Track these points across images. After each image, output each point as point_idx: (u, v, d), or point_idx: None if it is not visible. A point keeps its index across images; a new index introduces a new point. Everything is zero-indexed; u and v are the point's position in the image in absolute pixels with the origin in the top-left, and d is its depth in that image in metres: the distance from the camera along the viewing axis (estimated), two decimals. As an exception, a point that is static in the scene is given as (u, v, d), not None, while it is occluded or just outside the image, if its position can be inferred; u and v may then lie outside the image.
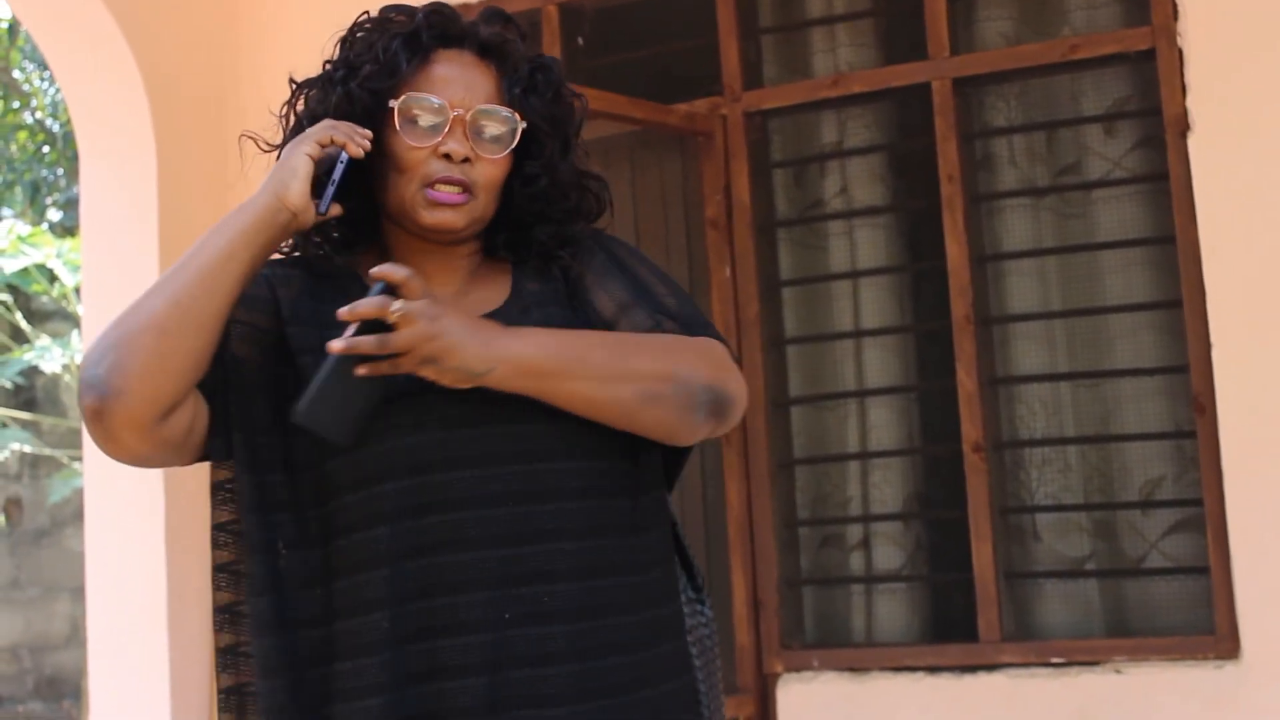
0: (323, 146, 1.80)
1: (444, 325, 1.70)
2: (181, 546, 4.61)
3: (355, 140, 1.80)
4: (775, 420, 4.38)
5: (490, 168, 1.85)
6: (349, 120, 1.84)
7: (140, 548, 4.61)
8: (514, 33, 1.92)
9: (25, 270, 8.16)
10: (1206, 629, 3.87)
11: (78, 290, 7.85)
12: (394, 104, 1.83)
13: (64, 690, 9.11)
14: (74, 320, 8.33)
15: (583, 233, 1.94)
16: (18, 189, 11.25)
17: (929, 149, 4.22)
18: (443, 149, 1.82)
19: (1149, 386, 4.09)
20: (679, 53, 4.73)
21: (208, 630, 4.65)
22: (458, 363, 1.71)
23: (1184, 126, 3.88)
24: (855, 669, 4.14)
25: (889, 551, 4.34)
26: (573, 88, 1.95)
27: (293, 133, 1.89)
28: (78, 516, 8.71)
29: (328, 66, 1.91)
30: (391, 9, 1.93)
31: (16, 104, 11.57)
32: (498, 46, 1.88)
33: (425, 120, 1.83)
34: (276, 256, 1.91)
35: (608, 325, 1.88)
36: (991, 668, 4.00)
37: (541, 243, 1.92)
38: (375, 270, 1.70)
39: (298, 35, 4.83)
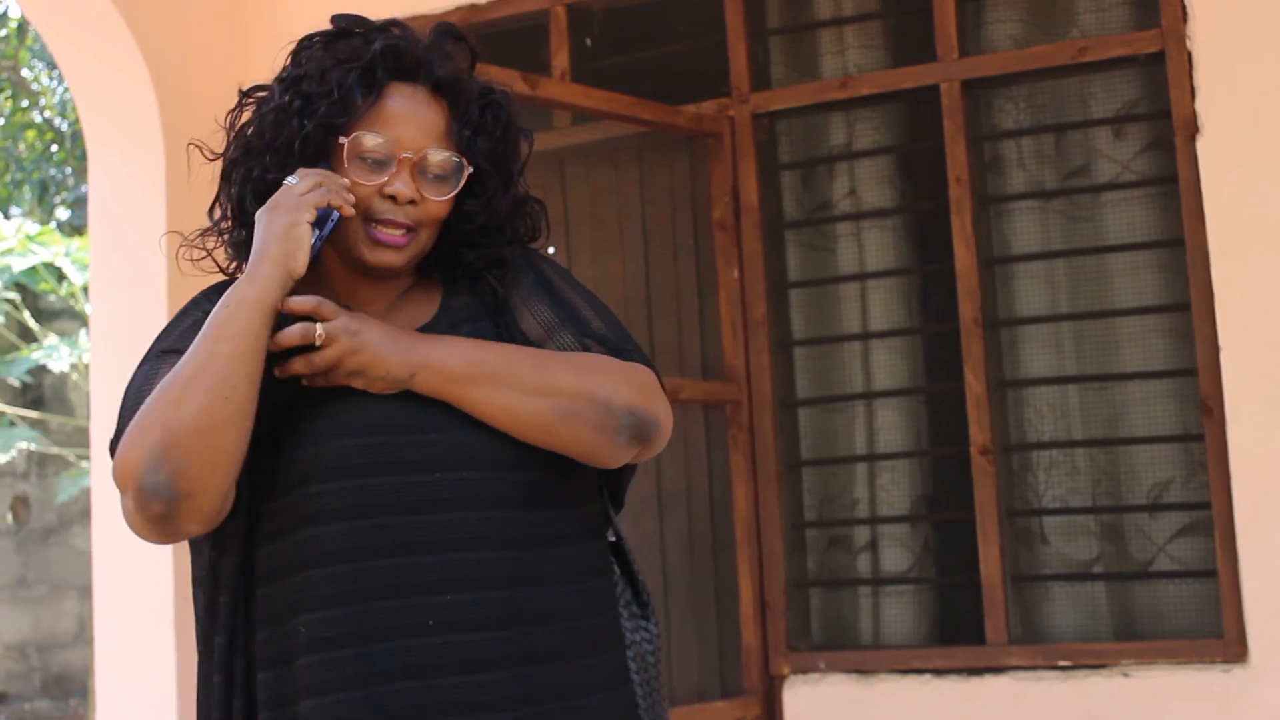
0: (317, 208, 1.81)
1: (365, 338, 1.77)
2: (188, 546, 4.60)
3: (346, 200, 1.82)
4: (783, 422, 4.38)
5: (434, 208, 1.87)
6: (293, 151, 1.85)
7: (147, 546, 4.60)
8: (466, 58, 1.93)
9: (33, 269, 8.17)
10: (1214, 632, 3.86)
11: (86, 289, 7.85)
12: (344, 140, 1.84)
13: (71, 688, 9.11)
14: (82, 319, 8.33)
15: (512, 252, 1.96)
16: (26, 188, 11.27)
17: (937, 151, 4.22)
18: (388, 190, 1.84)
19: (1157, 389, 4.08)
20: (687, 53, 4.73)
21: (214, 630, 4.64)
22: (382, 372, 1.77)
23: (1193, 129, 3.87)
24: (862, 671, 4.14)
25: (896, 553, 4.34)
26: (520, 126, 1.96)
27: (240, 149, 1.90)
28: (85, 515, 8.71)
29: (277, 84, 1.91)
30: (345, 23, 1.92)
31: (25, 103, 11.60)
32: (450, 84, 1.88)
33: (373, 159, 1.84)
34: (215, 281, 1.96)
35: (535, 346, 1.88)
36: (998, 670, 4.00)
37: (469, 263, 1.94)
38: (287, 304, 1.76)
39: (306, 33, 4.82)
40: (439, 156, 1.86)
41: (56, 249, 8.19)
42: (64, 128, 11.41)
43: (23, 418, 8.62)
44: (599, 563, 1.91)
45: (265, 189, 1.87)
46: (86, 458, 8.11)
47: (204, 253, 1.97)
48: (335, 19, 1.93)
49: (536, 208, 1.98)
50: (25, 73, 11.55)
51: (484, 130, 1.89)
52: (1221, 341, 3.81)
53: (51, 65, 11.12)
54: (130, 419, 1.77)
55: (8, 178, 11.40)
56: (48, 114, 11.62)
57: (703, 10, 4.51)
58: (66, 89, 11.06)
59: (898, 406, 4.37)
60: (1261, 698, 3.74)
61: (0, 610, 9.01)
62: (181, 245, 1.98)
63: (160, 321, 4.60)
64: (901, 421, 4.37)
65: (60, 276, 8.29)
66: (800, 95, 4.40)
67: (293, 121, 1.85)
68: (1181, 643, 3.88)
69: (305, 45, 1.92)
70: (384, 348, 1.78)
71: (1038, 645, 4.02)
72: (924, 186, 4.42)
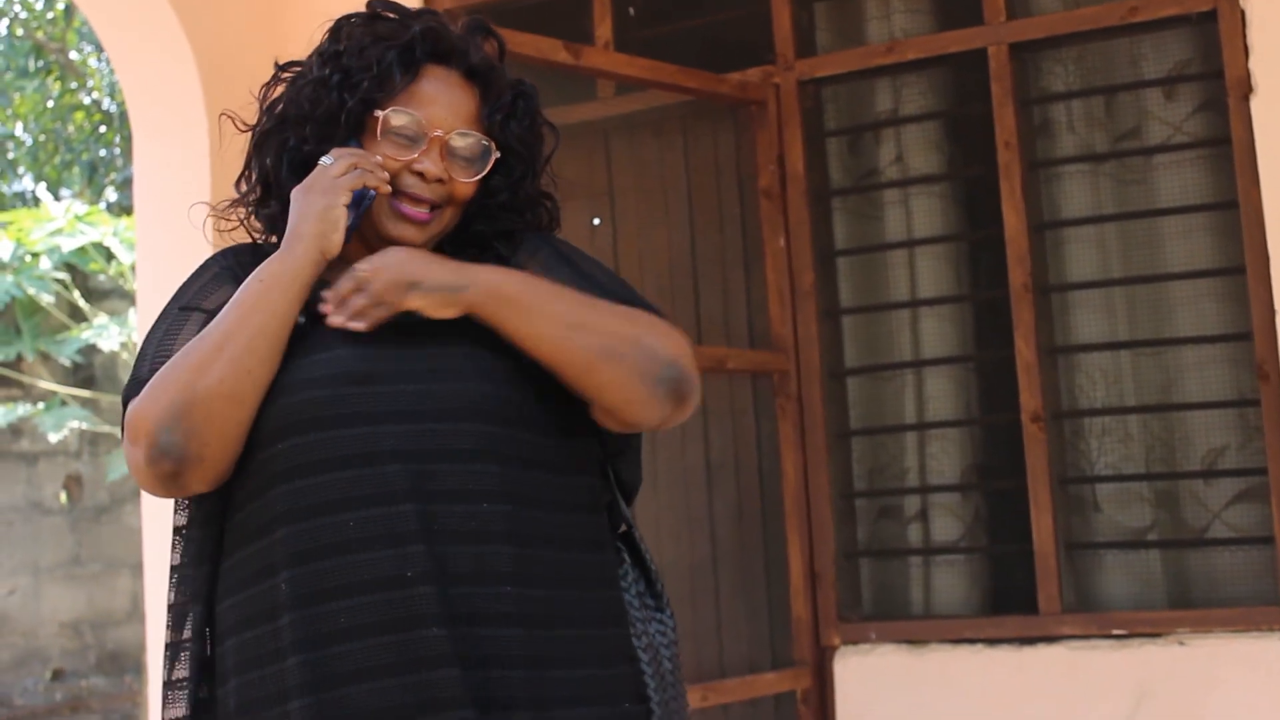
0: (352, 190, 1.84)
1: (412, 258, 1.81)
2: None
3: (381, 180, 1.85)
4: (831, 391, 4.34)
5: (461, 188, 1.90)
6: (331, 123, 1.88)
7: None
8: (495, 48, 1.98)
9: (83, 249, 8.21)
10: (1271, 599, 3.82)
11: (134, 268, 7.89)
12: (379, 114, 1.87)
13: (125, 665, 9.19)
14: (131, 298, 8.37)
15: (521, 226, 1.98)
16: (76, 169, 11.34)
17: (985, 115, 4.17)
18: (417, 166, 1.87)
19: (1211, 354, 4.03)
20: (731, 21, 4.69)
21: (265, 605, 4.66)
22: (436, 280, 1.78)
23: (1246, 89, 3.81)
24: (913, 641, 4.11)
25: (947, 523, 4.31)
26: (546, 120, 1.99)
27: (274, 121, 1.93)
28: (136, 493, 8.76)
29: (316, 57, 1.94)
30: (382, 7, 1.96)
31: (74, 84, 11.65)
32: (484, 71, 1.92)
33: (405, 135, 1.87)
34: (234, 245, 1.98)
35: None
36: (1051, 640, 3.96)
37: (479, 232, 1.95)
38: (325, 300, 1.80)
39: (344, 12, 4.81)
40: (468, 138, 1.89)
41: (105, 229, 8.23)
42: (112, 109, 11.46)
43: (74, 397, 8.68)
44: (597, 536, 1.89)
45: (300, 161, 1.89)
46: (138, 436, 8.15)
47: (235, 223, 1.99)
48: (372, 3, 1.97)
49: (553, 205, 2.01)
50: (74, 55, 11.61)
51: (514, 115, 1.93)
52: (1277, 304, 3.76)
53: (99, 47, 11.16)
54: (145, 369, 1.81)
55: (57, 159, 11.47)
56: (96, 95, 11.67)
57: (746, -24, 4.48)
58: (114, 70, 11.11)
59: (947, 374, 4.33)
60: (1320, 665, 3.69)
61: (55, 588, 9.09)
62: (210, 215, 2.00)
63: (207, 299, 4.61)
64: (951, 389, 4.33)
65: (109, 256, 8.33)
66: (846, 61, 4.36)
67: (331, 95, 1.88)
68: (1238, 610, 3.83)
69: (344, 23, 1.95)
70: (432, 263, 1.81)
71: (1091, 614, 3.98)
72: (972, 152, 4.37)
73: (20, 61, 11.50)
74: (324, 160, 1.85)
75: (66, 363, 8.67)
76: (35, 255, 8.27)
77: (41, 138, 11.57)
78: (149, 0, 4.61)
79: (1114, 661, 3.89)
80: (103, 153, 11.44)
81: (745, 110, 4.38)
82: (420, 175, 1.87)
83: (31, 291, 8.21)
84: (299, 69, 1.96)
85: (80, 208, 8.57)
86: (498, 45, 1.98)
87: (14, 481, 9.01)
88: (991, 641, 4.03)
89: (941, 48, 4.25)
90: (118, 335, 8.09)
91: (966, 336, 4.36)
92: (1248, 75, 3.81)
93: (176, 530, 1.88)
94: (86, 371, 9.04)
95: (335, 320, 1.78)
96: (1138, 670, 3.86)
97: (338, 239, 1.82)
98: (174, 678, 1.85)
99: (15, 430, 8.87)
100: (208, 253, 4.61)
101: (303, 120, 1.89)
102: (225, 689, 1.81)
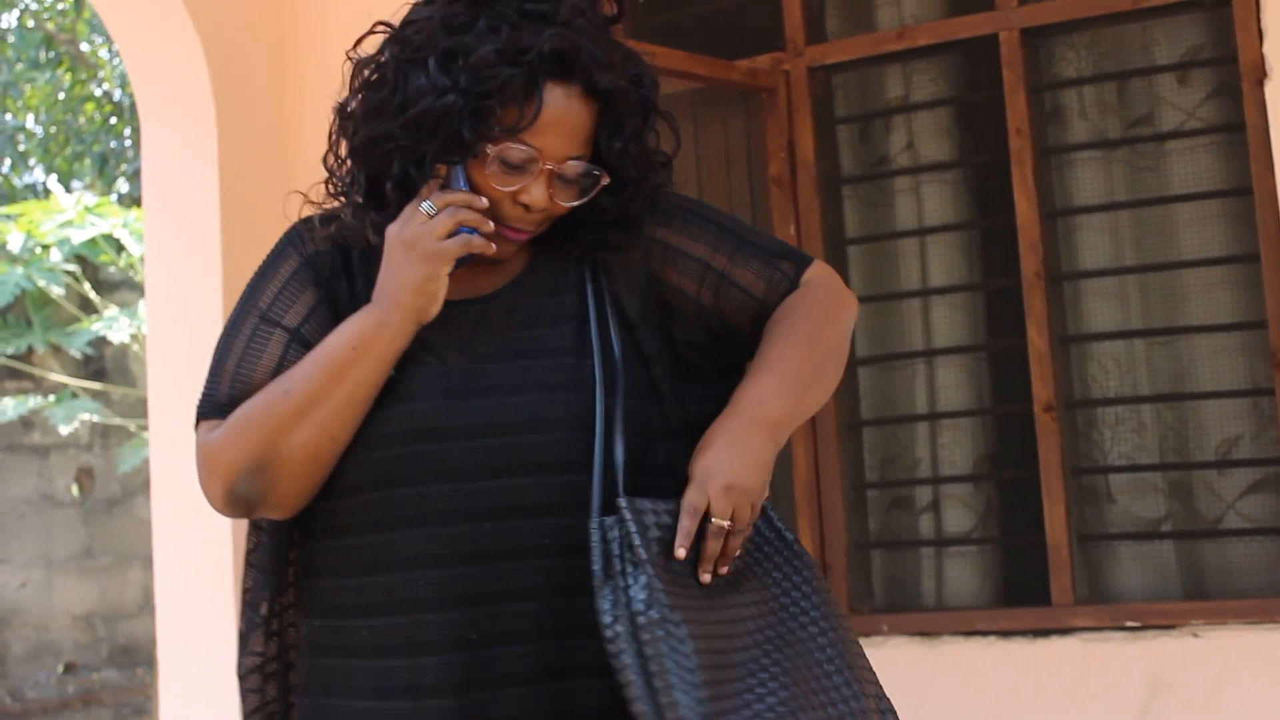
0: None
1: (722, 469, 1.72)
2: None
3: (487, 243, 1.77)
4: (843, 381, 4.30)
5: (562, 209, 1.82)
6: (444, 149, 1.76)
7: (207, 516, 4.56)
8: (614, 10, 1.83)
9: (93, 241, 8.19)
10: (1286, 591, 3.78)
11: (144, 259, 7.88)
12: (492, 150, 1.75)
13: (138, 658, 9.19)
14: (141, 290, 8.35)
15: (624, 240, 1.88)
16: (86, 160, 11.33)
17: (997, 102, 4.13)
18: (524, 198, 1.78)
19: (1225, 343, 3.99)
20: (741, 7, 4.67)
21: (273, 597, 4.64)
22: (764, 473, 1.74)
23: (1261, 74, 3.77)
24: (925, 633, 4.08)
25: (959, 514, 4.27)
26: (662, 112, 1.87)
27: (379, 120, 1.78)
28: (148, 485, 8.74)
29: (428, 47, 1.77)
30: None
31: (85, 76, 11.65)
32: (605, 91, 1.78)
33: (514, 165, 1.76)
34: (309, 225, 1.90)
35: (719, 275, 1.88)
36: (1064, 632, 3.93)
37: (585, 243, 1.87)
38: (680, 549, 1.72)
39: (357, 3, 4.79)
40: (579, 168, 1.79)
41: (115, 221, 8.21)
42: (123, 100, 11.45)
43: (85, 389, 8.67)
44: None
45: (406, 181, 1.79)
46: (148, 428, 8.15)
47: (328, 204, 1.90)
48: None
49: (666, 173, 1.89)
50: (84, 46, 11.60)
51: (634, 137, 1.82)
52: (1292, 292, 3.72)
53: (110, 38, 11.16)
54: (223, 391, 1.79)
55: (68, 151, 11.47)
56: (106, 87, 11.67)
57: (756, -37, 4.44)
58: (123, 61, 11.11)
59: (959, 364, 4.30)
60: (1336, 657, 3.66)
61: (67, 581, 9.09)
62: (306, 204, 1.91)
63: (215, 292, 4.59)
64: (963, 379, 4.29)
65: (119, 248, 8.32)
66: (856, 48, 4.32)
67: (449, 124, 1.73)
68: (1253, 602, 3.80)
69: (460, 4, 1.78)
70: (735, 453, 1.73)
71: (1104, 605, 3.95)
72: (983, 139, 4.34)
73: (31, 53, 11.50)
74: (424, 207, 1.75)
75: (77, 355, 8.66)
76: (45, 247, 8.26)
77: (52, 129, 11.57)
78: (159, -2, 4.60)
79: (1128, 653, 3.85)
80: (113, 144, 11.43)
81: (755, 97, 4.34)
82: (525, 206, 1.78)
83: (42, 284, 8.20)
84: (403, 44, 1.79)
85: (91, 199, 8.56)
86: (617, 9, 1.85)
87: (25, 474, 9.01)
88: (1004, 633, 4.00)
89: (952, 34, 4.21)
90: (128, 327, 8.08)
91: (978, 325, 4.32)
92: (1262, 60, 3.77)
93: (247, 555, 1.89)
94: (97, 364, 9.02)
95: (706, 579, 1.70)
96: (1152, 662, 3.82)
97: (436, 309, 1.77)
98: (243, 672, 1.90)
99: (26, 423, 8.86)
100: (216, 244, 4.63)
101: (413, 142, 1.76)
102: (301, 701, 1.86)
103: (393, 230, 1.77)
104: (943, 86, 4.35)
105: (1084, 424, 4.11)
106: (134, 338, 8.20)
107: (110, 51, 11.53)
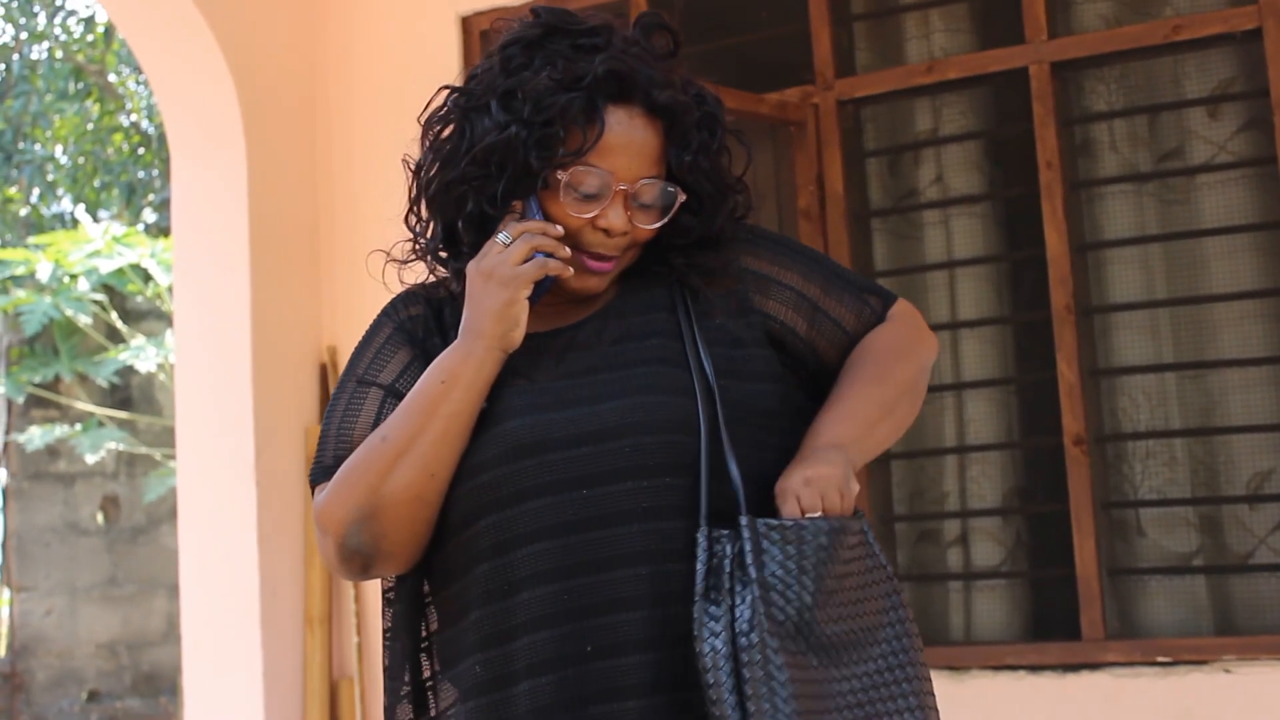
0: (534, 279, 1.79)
1: (820, 476, 1.74)
2: (274, 543, 4.61)
3: (563, 267, 1.78)
4: (870, 414, 4.29)
5: (644, 233, 1.83)
6: (513, 183, 1.78)
7: (233, 545, 4.62)
8: (668, 43, 1.86)
9: (120, 270, 8.23)
10: (1319, 627, 3.75)
11: (171, 290, 7.90)
12: (563, 175, 1.77)
13: (161, 686, 9.18)
14: (168, 319, 8.37)
15: (720, 263, 1.89)
16: (114, 190, 11.39)
17: (1027, 135, 4.13)
18: (602, 223, 1.79)
19: (1257, 376, 3.97)
20: (770, 41, 4.67)
21: (300, 626, 4.65)
22: (834, 475, 1.75)
23: (1293, 108, 3.76)
24: (954, 667, 4.06)
25: (988, 547, 4.26)
26: (731, 130, 1.88)
27: (452, 168, 1.81)
28: (173, 514, 8.76)
29: (492, 97, 1.80)
30: (551, 19, 1.83)
31: (113, 107, 11.71)
32: (666, 108, 1.80)
33: (589, 192, 1.78)
34: (402, 295, 1.93)
35: (812, 305, 1.90)
36: (1095, 666, 3.91)
37: (680, 270, 1.87)
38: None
39: (386, 35, 4.82)
40: (654, 188, 1.80)
41: (142, 250, 8.25)
42: (151, 131, 11.51)
43: (111, 418, 8.69)
44: None
45: (481, 219, 1.82)
46: (174, 457, 8.16)
47: (412, 261, 1.92)
48: (536, 10, 1.85)
49: (744, 199, 1.91)
50: (112, 77, 11.67)
51: (703, 150, 1.83)
52: (1324, 327, 3.70)
53: (138, 69, 11.22)
54: (329, 455, 1.82)
55: (96, 181, 11.53)
56: (134, 117, 11.73)
57: (785, -4, 4.45)
58: (153, 93, 11.16)
59: (988, 397, 4.29)
60: (1370, 693, 3.63)
61: (91, 609, 9.10)
62: (389, 262, 1.94)
63: (244, 322, 4.61)
64: (992, 412, 4.28)
65: (147, 278, 8.35)
66: (886, 81, 4.33)
67: (516, 154, 1.76)
68: (1285, 637, 3.77)
69: (515, 49, 1.82)
70: (822, 466, 1.75)
71: (1135, 640, 3.93)
72: (1013, 172, 4.33)
73: (60, 84, 11.57)
74: (500, 238, 1.78)
75: (104, 384, 8.68)
76: (73, 277, 8.29)
77: (80, 160, 11.63)
78: (188, 23, 4.62)
79: (1159, 689, 3.83)
80: (141, 174, 11.49)
81: (784, 130, 4.35)
82: (605, 231, 1.79)
83: (69, 313, 8.23)
84: (467, 95, 1.83)
85: (118, 229, 8.60)
86: (673, 40, 1.87)
87: (51, 502, 9.03)
88: (1034, 668, 3.98)
89: (982, 67, 4.21)
90: (155, 356, 8.10)
91: (1007, 358, 4.31)
92: (1294, 94, 3.76)
93: (384, 595, 1.91)
94: (124, 393, 9.05)
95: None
96: (1184, 698, 3.80)
97: (519, 335, 1.78)
98: None
99: (52, 451, 8.88)
100: (245, 275, 4.65)
101: (483, 179, 1.79)
102: None
103: (471, 265, 1.80)
104: (972, 120, 4.35)
105: (1114, 457, 4.10)
106: (160, 367, 8.23)
107: (138, 82, 11.59)
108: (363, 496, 1.76)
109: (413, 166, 1.88)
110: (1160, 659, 3.84)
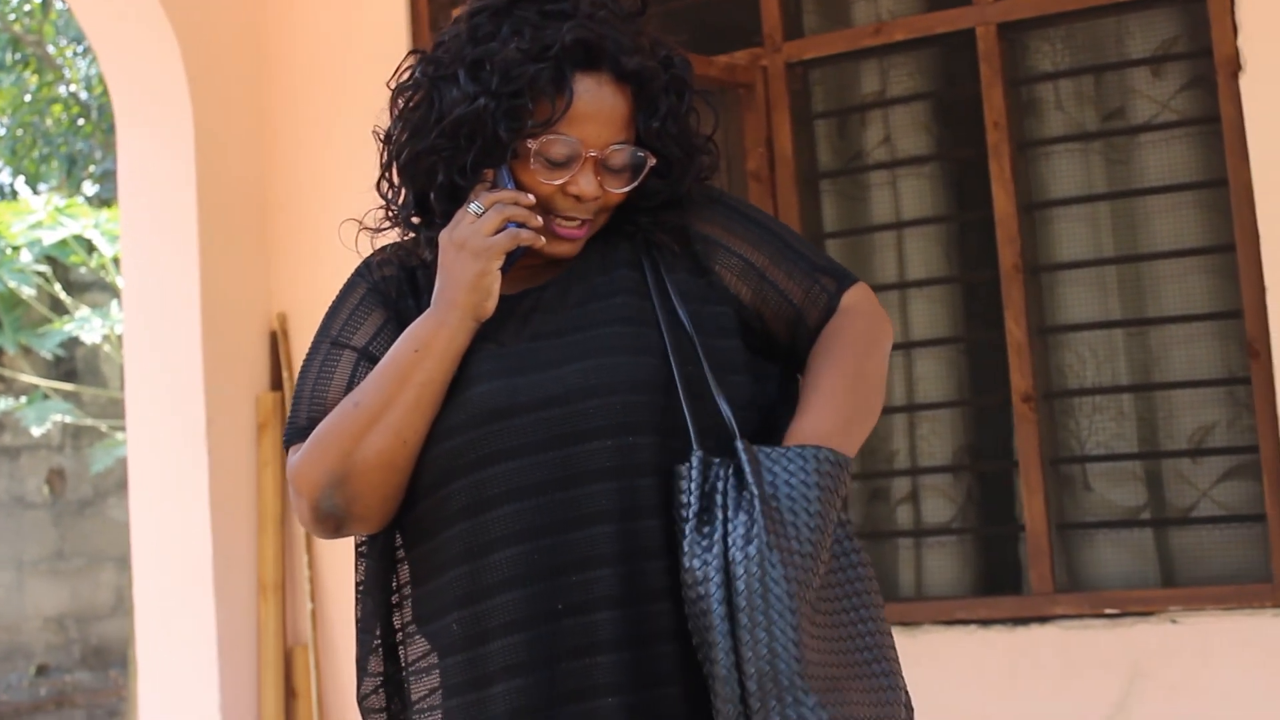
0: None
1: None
2: (226, 511, 4.61)
3: (535, 236, 1.80)
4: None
5: (614, 197, 1.84)
6: (483, 153, 1.80)
7: (185, 514, 4.61)
8: (635, 4, 1.86)
9: (63, 242, 8.16)
10: (1263, 577, 3.82)
11: (116, 261, 7.85)
12: (533, 144, 1.79)
13: (110, 660, 9.16)
14: (113, 290, 8.32)
15: (680, 218, 1.91)
16: (54, 162, 11.28)
17: (974, 96, 4.16)
18: (572, 189, 1.81)
19: (1201, 332, 4.03)
20: (718, 3, 4.68)
21: (254, 593, 4.65)
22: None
23: (1235, 67, 3.81)
24: (906, 623, 4.10)
25: (938, 504, 4.31)
26: (699, 91, 1.89)
27: (421, 139, 1.82)
28: (120, 486, 8.73)
29: (460, 66, 1.81)
30: None
31: (51, 78, 11.59)
32: (635, 73, 1.81)
33: (559, 158, 1.80)
34: (375, 256, 1.95)
35: (758, 273, 1.90)
36: (1044, 620, 3.96)
37: (643, 227, 1.89)
38: None
39: (335, 6, 4.79)
40: (623, 153, 1.82)
41: (86, 221, 8.18)
42: (90, 102, 11.40)
43: (56, 390, 8.64)
44: None
45: (452, 189, 1.83)
46: (120, 429, 8.12)
47: (385, 227, 1.94)
48: None
49: (711, 159, 1.92)
50: (50, 48, 11.54)
51: (671, 115, 1.84)
52: (1268, 282, 3.76)
53: (75, 39, 11.10)
54: (302, 416, 1.85)
55: (35, 152, 11.41)
56: (73, 88, 11.61)
57: (733, -41, 4.46)
58: (91, 63, 11.05)
59: (937, 356, 4.33)
60: (1313, 641, 3.70)
61: (39, 583, 9.06)
62: (361, 229, 1.96)
63: (192, 292, 4.59)
64: (941, 371, 4.32)
65: (90, 248, 8.29)
66: (833, 43, 4.35)
67: (485, 126, 1.78)
68: (1230, 588, 3.84)
69: (481, 19, 1.82)
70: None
71: (1083, 593, 3.98)
72: (960, 133, 4.37)
73: (-3, 55, 11.44)
74: (472, 208, 1.79)
75: (48, 356, 8.63)
76: (15, 248, 8.22)
77: (19, 131, 11.51)
78: (136, -4, 4.59)
79: (1107, 640, 3.89)
80: (81, 146, 11.37)
81: (733, 93, 4.36)
82: (576, 197, 1.81)
83: (12, 285, 8.16)
84: (435, 64, 1.83)
85: (60, 201, 8.52)
86: (640, 2, 1.88)
87: (-4, 476, 8.98)
88: (985, 622, 4.03)
89: (929, 28, 4.24)
90: (100, 328, 8.05)
91: (956, 318, 4.35)
92: (1236, 53, 3.81)
93: (356, 548, 1.92)
94: (69, 365, 8.99)
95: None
96: (1131, 649, 3.86)
97: (491, 304, 1.81)
98: (362, 695, 1.92)
99: (-3, 424, 8.84)
100: (193, 244, 4.62)
101: (453, 150, 1.81)
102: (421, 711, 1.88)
103: (444, 235, 1.82)
104: (919, 81, 4.38)
105: (1060, 414, 4.15)
106: (106, 338, 8.18)
107: (76, 53, 11.48)
108: (335, 461, 1.79)
109: (382, 135, 1.90)
110: (1108, 611, 3.90)
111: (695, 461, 1.72)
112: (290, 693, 4.66)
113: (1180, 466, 4.06)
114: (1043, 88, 4.19)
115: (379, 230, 1.93)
